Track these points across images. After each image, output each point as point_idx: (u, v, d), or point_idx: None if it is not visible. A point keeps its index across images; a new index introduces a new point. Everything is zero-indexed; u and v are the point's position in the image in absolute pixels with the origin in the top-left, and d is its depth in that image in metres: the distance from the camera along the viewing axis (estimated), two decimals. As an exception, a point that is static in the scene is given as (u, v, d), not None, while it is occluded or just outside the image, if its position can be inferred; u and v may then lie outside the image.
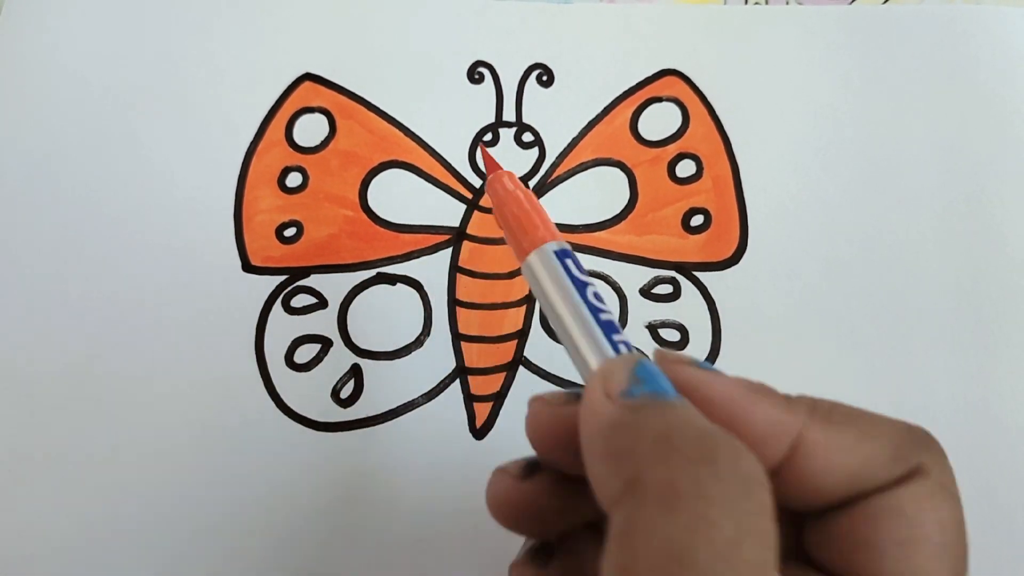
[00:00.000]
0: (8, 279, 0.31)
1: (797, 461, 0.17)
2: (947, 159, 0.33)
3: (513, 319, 0.31)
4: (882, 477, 0.17)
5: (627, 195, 0.33)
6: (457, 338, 0.31)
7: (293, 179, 0.33)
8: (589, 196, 0.33)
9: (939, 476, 0.18)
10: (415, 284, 0.31)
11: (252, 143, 0.33)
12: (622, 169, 0.33)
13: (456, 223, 0.32)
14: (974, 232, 0.32)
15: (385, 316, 0.31)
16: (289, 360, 0.30)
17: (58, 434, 0.29)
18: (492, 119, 0.34)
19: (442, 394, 0.30)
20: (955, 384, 0.30)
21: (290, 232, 0.32)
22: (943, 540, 0.17)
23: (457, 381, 0.30)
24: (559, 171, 0.33)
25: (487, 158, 0.24)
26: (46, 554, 0.28)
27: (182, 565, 0.27)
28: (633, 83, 0.35)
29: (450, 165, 0.33)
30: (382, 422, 0.29)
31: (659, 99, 0.34)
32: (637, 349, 0.18)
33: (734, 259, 0.32)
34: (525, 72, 0.35)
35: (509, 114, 0.34)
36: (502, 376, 0.30)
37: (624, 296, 0.31)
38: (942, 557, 0.17)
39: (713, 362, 0.30)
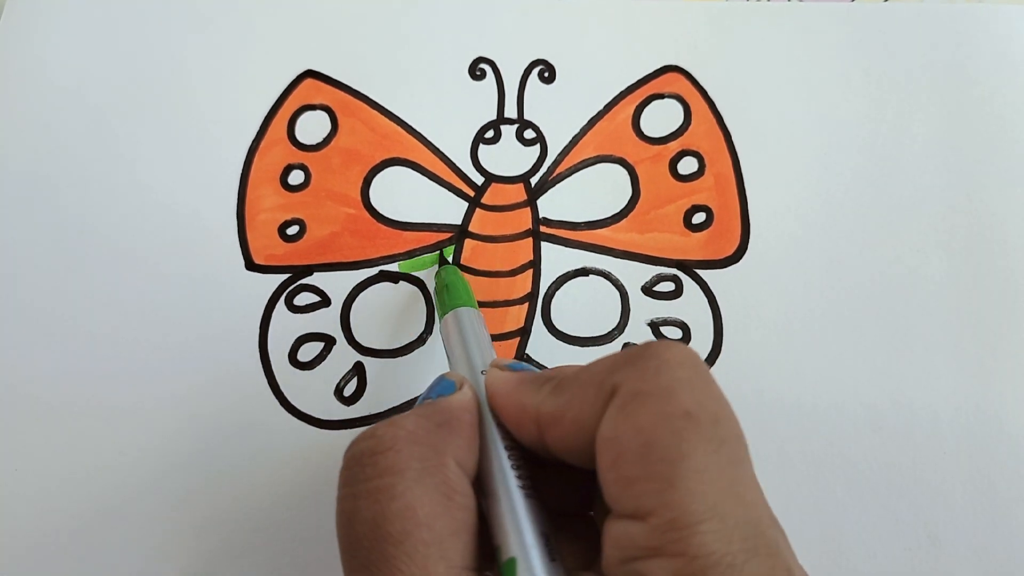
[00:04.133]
0: (12, 276, 0.31)
1: (550, 433, 0.19)
2: (948, 157, 0.33)
3: (515, 317, 0.31)
4: (592, 416, 0.18)
5: (629, 192, 0.33)
6: (459, 336, 0.31)
7: (295, 177, 0.33)
8: (591, 193, 0.33)
9: (632, 385, 0.17)
10: (418, 282, 0.31)
11: (254, 141, 0.33)
12: (624, 166, 0.33)
13: (458, 221, 0.32)
14: (975, 229, 0.32)
15: (388, 314, 0.31)
16: (292, 358, 0.30)
17: (61, 433, 0.29)
18: (494, 116, 0.34)
19: (445, 392, 0.30)
20: (955, 382, 0.30)
21: (293, 230, 0.32)
22: (644, 441, 0.17)
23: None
24: (561, 168, 0.33)
25: None
26: (48, 553, 0.28)
27: (185, 562, 0.28)
28: (635, 79, 0.34)
29: (452, 162, 0.33)
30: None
31: (661, 96, 0.34)
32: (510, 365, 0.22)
33: (736, 257, 0.32)
34: (527, 68, 0.35)
35: (511, 111, 0.34)
36: (504, 374, 0.30)
37: (626, 293, 0.31)
38: (648, 458, 0.16)
39: (715, 359, 0.30)
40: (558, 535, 0.20)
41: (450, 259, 0.32)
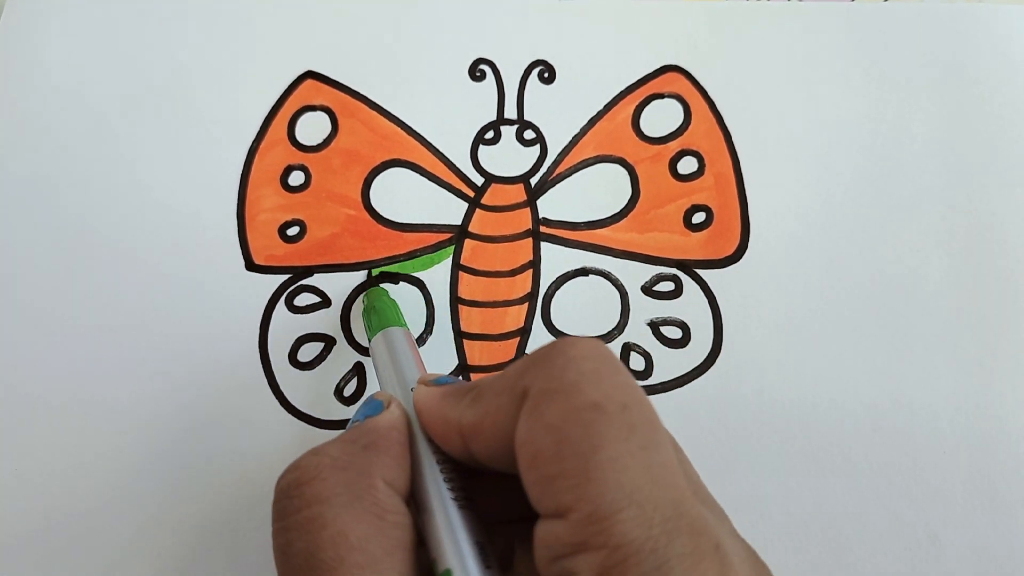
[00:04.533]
0: (12, 276, 0.31)
1: (474, 444, 0.19)
2: (948, 157, 0.33)
3: (515, 317, 0.31)
4: (508, 422, 0.18)
5: (629, 192, 0.33)
6: (459, 336, 0.31)
7: (296, 178, 0.33)
8: (591, 193, 0.33)
9: (540, 385, 0.18)
10: (417, 282, 0.32)
11: (254, 142, 0.33)
12: (624, 166, 0.33)
13: (458, 221, 0.32)
14: (975, 229, 0.32)
15: (388, 314, 0.31)
16: (292, 358, 0.30)
17: (61, 433, 0.29)
18: (494, 116, 0.34)
19: (445, 392, 0.30)
20: (956, 382, 0.30)
21: (293, 231, 0.32)
22: (556, 439, 0.17)
23: (460, 379, 0.30)
24: (561, 168, 0.33)
25: None
26: (49, 552, 0.28)
27: (185, 562, 0.28)
28: (635, 79, 0.34)
29: (452, 163, 0.33)
30: (385, 420, 0.30)
31: (661, 95, 0.34)
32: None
33: (736, 256, 0.32)
34: (527, 69, 0.35)
35: (511, 111, 0.34)
36: (504, 374, 0.30)
37: (626, 293, 0.31)
38: (561, 455, 0.16)
39: (715, 359, 0.30)
40: (507, 543, 0.20)
41: (450, 259, 0.32)
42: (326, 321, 0.31)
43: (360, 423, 0.21)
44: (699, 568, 0.16)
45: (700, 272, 0.32)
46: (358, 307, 0.31)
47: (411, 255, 0.32)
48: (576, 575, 0.16)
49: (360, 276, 0.31)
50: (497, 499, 0.21)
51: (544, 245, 0.32)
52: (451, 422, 0.20)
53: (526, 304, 0.31)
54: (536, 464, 0.17)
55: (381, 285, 0.31)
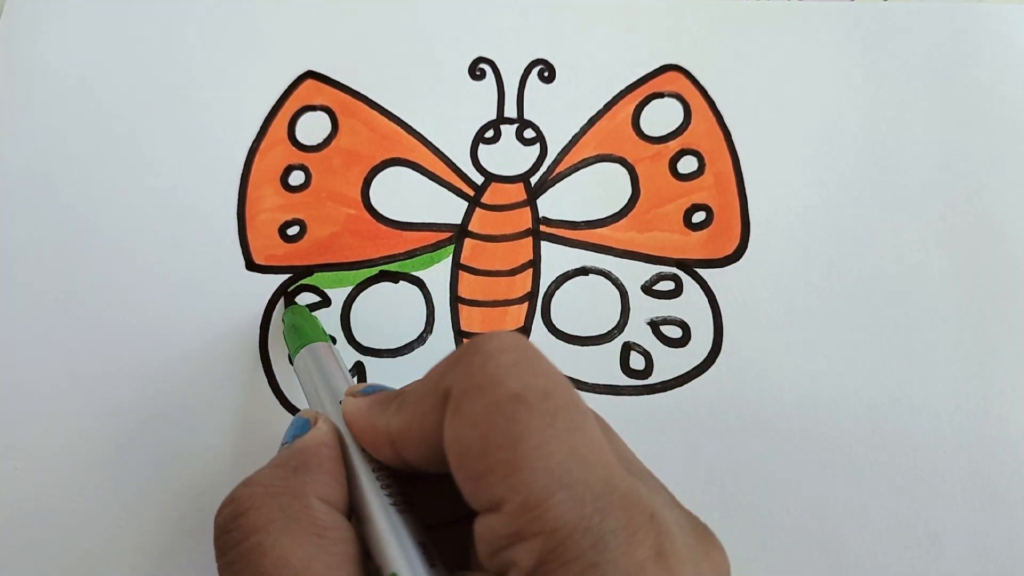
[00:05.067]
0: (11, 276, 0.31)
1: (405, 450, 0.19)
2: (948, 156, 0.33)
3: (515, 316, 0.31)
4: (435, 424, 0.18)
5: (629, 191, 0.33)
6: (459, 335, 0.31)
7: (296, 177, 0.33)
8: (591, 192, 0.33)
9: (461, 384, 0.18)
10: (417, 282, 0.32)
11: (254, 142, 0.33)
12: (624, 165, 0.33)
13: (458, 220, 0.32)
14: (975, 229, 0.32)
15: (388, 314, 0.31)
16: (293, 358, 0.30)
17: (61, 433, 0.29)
18: (494, 115, 0.34)
19: (445, 391, 0.30)
20: (956, 381, 0.30)
21: (293, 230, 0.32)
22: (480, 434, 0.17)
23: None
24: (561, 167, 0.33)
25: None
26: (49, 552, 0.28)
27: (185, 561, 0.28)
28: (635, 78, 0.34)
29: (452, 162, 0.33)
30: (385, 419, 0.30)
31: (661, 95, 0.34)
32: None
33: (736, 256, 0.32)
34: (527, 68, 0.35)
35: (511, 110, 0.34)
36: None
37: (626, 293, 0.31)
38: (487, 449, 0.17)
39: (715, 358, 0.30)
40: (459, 544, 0.20)
41: (450, 258, 0.32)
42: (326, 320, 0.31)
43: (289, 444, 0.21)
44: (635, 539, 0.16)
45: (700, 271, 0.32)
46: (278, 324, 0.30)
47: (411, 254, 0.32)
48: (517, 564, 0.16)
49: (361, 275, 0.31)
50: (440, 502, 0.21)
51: (544, 244, 0.32)
52: (380, 430, 0.20)
53: (526, 303, 0.31)
54: (465, 462, 0.17)
55: (296, 301, 0.31)
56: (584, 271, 0.32)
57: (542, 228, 0.32)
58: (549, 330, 0.31)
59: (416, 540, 0.19)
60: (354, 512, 0.20)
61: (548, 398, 0.17)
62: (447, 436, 0.18)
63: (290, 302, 0.31)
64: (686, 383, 0.30)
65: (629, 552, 0.16)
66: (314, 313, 0.31)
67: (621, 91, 0.34)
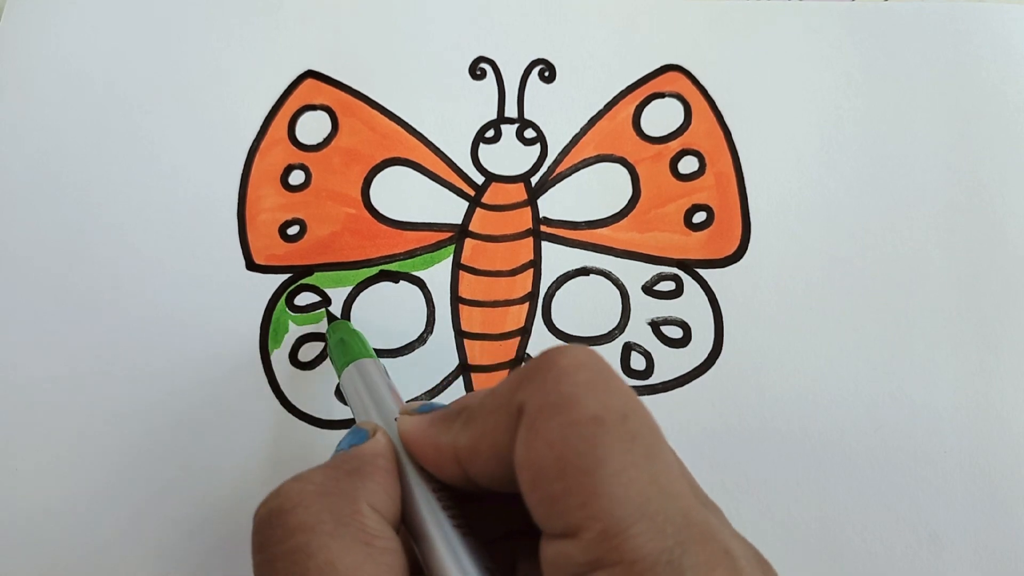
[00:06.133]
0: (11, 276, 0.31)
1: (472, 467, 0.19)
2: (949, 156, 0.33)
3: (515, 316, 0.31)
4: (506, 442, 0.18)
5: (629, 191, 0.33)
6: (460, 335, 0.31)
7: (296, 177, 0.33)
8: (591, 192, 0.33)
9: (535, 400, 0.17)
10: (418, 281, 0.31)
11: (255, 141, 0.33)
12: (624, 165, 0.33)
13: (459, 220, 0.32)
14: (976, 228, 0.32)
15: (388, 314, 0.31)
16: (293, 358, 0.30)
17: (61, 433, 0.29)
18: (494, 115, 0.34)
19: (445, 391, 0.30)
20: (956, 380, 0.30)
21: (293, 230, 0.32)
22: (557, 455, 0.16)
23: (460, 378, 0.30)
24: (561, 167, 0.33)
25: None
26: (49, 552, 0.28)
27: (185, 561, 0.28)
28: (635, 78, 0.34)
29: (452, 162, 0.33)
30: (386, 420, 0.30)
31: (661, 95, 0.34)
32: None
33: (736, 256, 0.32)
34: (527, 68, 0.35)
35: (511, 110, 0.34)
36: (505, 374, 0.30)
37: (627, 293, 0.31)
38: (565, 472, 0.16)
39: (716, 358, 0.30)
40: (508, 562, 0.20)
41: (451, 258, 0.32)
42: (326, 321, 0.31)
43: (345, 451, 0.21)
44: None
45: (701, 272, 0.32)
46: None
47: (411, 254, 0.32)
48: None
49: (361, 275, 0.31)
50: (492, 518, 0.20)
51: (545, 244, 0.32)
52: (444, 448, 0.19)
53: (527, 304, 0.31)
54: (540, 484, 0.17)
55: (340, 319, 0.30)
56: (585, 271, 0.32)
57: (543, 228, 0.32)
58: (550, 330, 0.31)
59: (483, 564, 0.18)
60: (409, 532, 0.20)
61: (626, 421, 0.17)
62: (519, 455, 0.17)
63: (334, 318, 0.30)
64: (687, 383, 0.30)
65: None
66: (314, 312, 0.31)
67: (622, 91, 0.34)
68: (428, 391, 0.30)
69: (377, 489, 0.19)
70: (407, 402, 0.23)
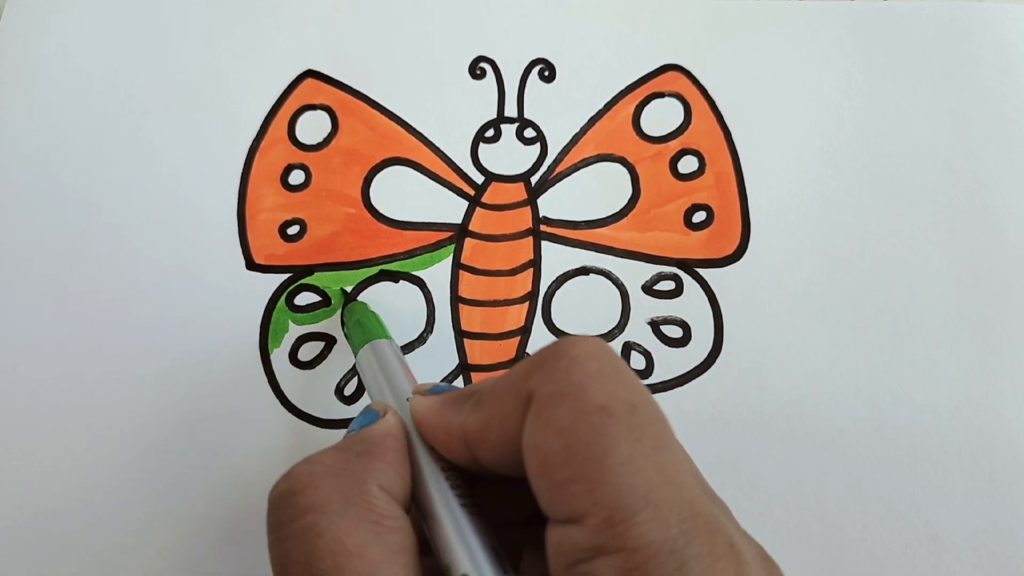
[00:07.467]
0: (11, 275, 0.31)
1: (479, 450, 0.19)
2: (949, 156, 0.33)
3: (515, 316, 0.31)
4: (514, 427, 0.18)
5: (629, 191, 0.33)
6: (460, 335, 0.31)
7: (296, 177, 0.33)
8: (591, 192, 0.33)
9: (545, 388, 0.17)
10: (418, 281, 0.31)
11: (254, 141, 0.33)
12: (624, 165, 0.33)
13: (459, 220, 0.32)
14: (976, 228, 0.32)
15: (388, 313, 0.31)
16: (293, 358, 0.30)
17: (61, 433, 0.29)
18: (494, 115, 0.34)
19: (445, 391, 0.30)
20: (956, 380, 0.30)
21: (293, 230, 0.32)
22: (566, 443, 0.17)
23: (460, 378, 0.30)
24: (561, 167, 0.33)
25: None
26: (49, 552, 0.28)
27: (185, 561, 0.28)
28: (635, 78, 0.34)
29: (452, 162, 0.33)
30: (386, 419, 0.30)
31: (661, 94, 0.34)
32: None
33: (736, 255, 0.32)
34: (527, 67, 0.35)
35: (511, 110, 0.34)
36: (505, 373, 0.30)
37: (626, 292, 0.31)
38: (572, 460, 0.16)
39: (715, 358, 0.30)
40: (513, 548, 0.20)
41: (451, 258, 0.32)
42: (326, 320, 0.31)
43: (356, 432, 0.21)
44: (717, 567, 0.16)
45: (701, 271, 0.32)
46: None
47: (411, 253, 0.32)
48: None
49: (361, 274, 0.31)
50: (499, 502, 0.21)
51: (544, 244, 0.32)
52: (454, 429, 0.20)
53: (527, 303, 0.31)
54: (547, 469, 0.17)
55: (359, 299, 0.31)
56: (584, 271, 0.32)
57: (542, 228, 0.32)
58: (549, 330, 0.31)
59: (488, 544, 0.19)
60: (418, 509, 0.20)
61: (635, 412, 0.17)
62: (527, 440, 0.17)
63: (352, 299, 0.30)
64: (686, 383, 0.30)
65: None
66: (314, 312, 0.31)
67: (621, 91, 0.34)
68: (428, 391, 0.30)
69: (386, 469, 0.20)
70: (425, 384, 0.23)
